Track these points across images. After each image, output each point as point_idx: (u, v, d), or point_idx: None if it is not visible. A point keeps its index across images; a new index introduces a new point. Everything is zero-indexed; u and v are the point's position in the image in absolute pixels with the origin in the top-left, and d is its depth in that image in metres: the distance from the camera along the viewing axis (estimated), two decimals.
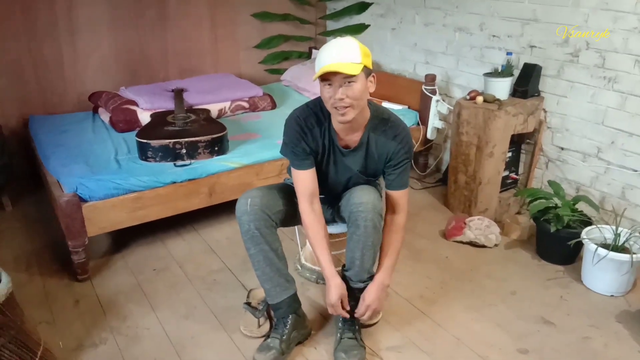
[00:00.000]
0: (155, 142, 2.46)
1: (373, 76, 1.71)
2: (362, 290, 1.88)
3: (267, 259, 1.84)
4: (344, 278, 1.88)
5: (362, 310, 1.84)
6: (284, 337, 1.87)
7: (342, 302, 1.82)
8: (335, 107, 1.66)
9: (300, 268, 2.37)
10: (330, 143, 1.83)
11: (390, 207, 1.89)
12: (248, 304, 2.06)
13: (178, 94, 3.06)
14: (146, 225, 2.51)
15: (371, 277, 1.87)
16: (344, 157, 1.85)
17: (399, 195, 1.87)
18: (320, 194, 1.90)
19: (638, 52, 2.28)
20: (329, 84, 1.64)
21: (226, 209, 2.81)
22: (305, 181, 1.83)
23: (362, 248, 1.79)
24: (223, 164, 2.57)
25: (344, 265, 1.91)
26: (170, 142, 2.47)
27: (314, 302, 2.18)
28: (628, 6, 2.27)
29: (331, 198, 1.98)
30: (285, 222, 1.94)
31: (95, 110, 3.23)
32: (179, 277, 2.36)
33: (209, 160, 2.55)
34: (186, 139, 2.48)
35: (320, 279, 2.29)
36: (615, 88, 2.40)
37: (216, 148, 2.56)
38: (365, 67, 1.63)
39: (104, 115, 3.07)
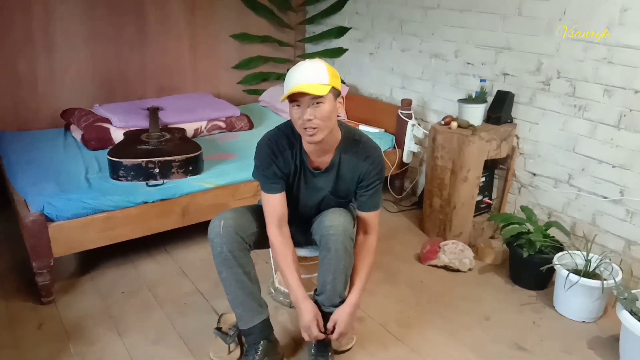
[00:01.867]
0: (127, 161, 2.41)
1: (342, 97, 1.73)
2: (327, 315, 1.85)
3: (240, 283, 1.80)
4: (316, 303, 1.85)
5: (336, 336, 1.80)
6: None
7: (317, 325, 1.79)
8: (304, 128, 1.66)
9: (273, 292, 2.33)
10: (301, 165, 1.82)
11: (362, 228, 1.89)
12: (219, 329, 2.01)
13: (153, 112, 3.03)
14: (116, 246, 2.44)
15: (343, 301, 1.84)
16: (314, 178, 1.84)
17: (371, 217, 1.87)
18: (293, 218, 1.88)
19: (607, 81, 2.35)
20: (298, 105, 1.64)
21: (200, 230, 2.75)
22: (274, 205, 1.81)
23: (334, 272, 1.77)
24: (197, 184, 2.53)
25: (315, 290, 1.88)
26: (142, 161, 2.42)
27: (287, 327, 2.14)
28: (597, 37, 2.34)
29: (304, 221, 1.96)
30: (259, 244, 1.91)
31: (67, 128, 3.16)
32: (148, 301, 2.29)
33: (183, 180, 2.51)
34: (159, 158, 2.44)
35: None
36: (586, 116, 2.46)
37: (190, 168, 2.52)
38: (333, 88, 1.64)
39: (76, 133, 3.01)
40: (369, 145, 1.84)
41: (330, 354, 1.88)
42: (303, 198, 1.90)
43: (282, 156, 1.79)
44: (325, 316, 1.84)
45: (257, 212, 1.91)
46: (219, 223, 1.78)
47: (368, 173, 1.82)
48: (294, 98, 1.64)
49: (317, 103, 1.63)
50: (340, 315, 1.80)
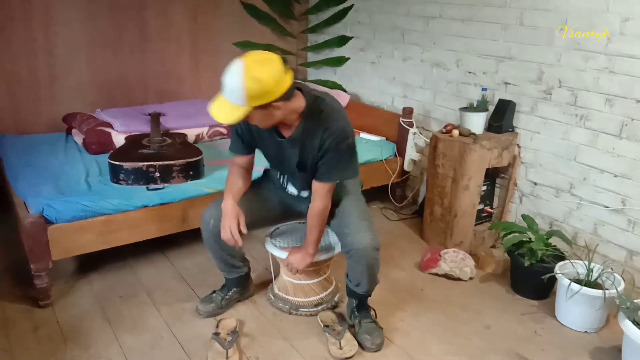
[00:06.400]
0: (128, 165, 2.41)
1: (280, 103, 1.65)
2: (361, 295, 2.08)
3: (223, 260, 2.16)
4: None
5: (285, 269, 2.17)
6: (227, 297, 2.22)
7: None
8: None
9: (272, 298, 2.30)
10: (270, 133, 1.86)
11: (312, 194, 1.96)
12: (217, 334, 1.99)
13: (155, 117, 3.03)
14: (115, 250, 2.43)
15: (369, 292, 2.09)
16: (283, 145, 1.88)
17: (319, 186, 1.91)
18: (279, 170, 2.10)
19: (608, 91, 2.35)
20: None
21: (199, 234, 2.73)
22: (238, 162, 2.02)
23: (367, 277, 1.99)
24: (198, 188, 2.52)
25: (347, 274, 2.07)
26: (143, 165, 2.42)
27: (287, 334, 2.11)
28: (598, 47, 2.35)
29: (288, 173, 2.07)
30: (253, 225, 2.06)
31: (68, 132, 3.16)
32: (146, 305, 2.27)
33: (184, 184, 2.50)
34: (160, 163, 2.44)
35: (293, 310, 2.23)
36: (587, 125, 2.46)
37: (191, 172, 2.52)
38: (255, 107, 1.60)
39: (77, 137, 3.01)
40: (331, 116, 1.78)
41: (371, 313, 2.13)
42: (281, 160, 1.97)
43: (248, 123, 1.85)
44: (354, 295, 2.10)
45: (246, 195, 2.04)
46: (209, 221, 2.03)
47: (324, 143, 1.80)
48: None
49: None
50: (290, 254, 2.10)
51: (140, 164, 2.42)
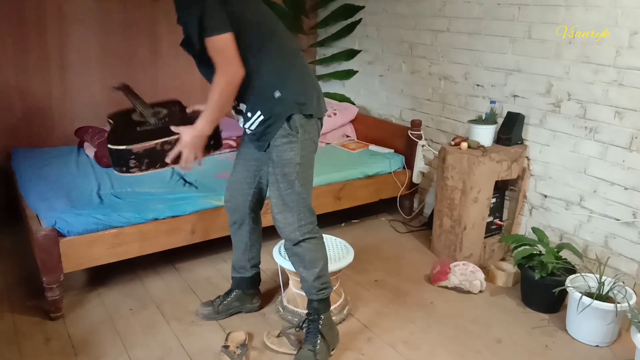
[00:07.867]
0: (137, 147, 1.86)
1: None
2: (311, 302, 2.01)
3: (242, 244, 2.21)
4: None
5: (174, 153, 1.84)
6: (225, 302, 2.25)
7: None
8: None
9: (282, 310, 2.31)
10: None
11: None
12: (226, 347, 1.99)
13: (125, 88, 2.30)
14: (124, 263, 2.44)
15: (322, 295, 1.99)
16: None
17: (208, 48, 1.71)
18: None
19: (617, 103, 2.35)
20: None
21: (208, 247, 2.76)
22: None
23: (301, 271, 1.99)
24: (208, 201, 2.54)
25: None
26: (157, 144, 1.88)
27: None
28: (607, 59, 2.35)
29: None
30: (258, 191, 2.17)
31: (80, 145, 3.20)
32: (155, 318, 2.28)
33: (193, 193, 2.50)
34: (174, 137, 1.90)
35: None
36: (597, 138, 2.46)
37: (211, 142, 2.00)
38: None
39: (89, 150, 3.05)
40: None
41: (318, 341, 1.97)
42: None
43: None
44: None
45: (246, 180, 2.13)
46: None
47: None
48: None
49: None
50: (182, 134, 1.83)
51: (153, 142, 1.88)
